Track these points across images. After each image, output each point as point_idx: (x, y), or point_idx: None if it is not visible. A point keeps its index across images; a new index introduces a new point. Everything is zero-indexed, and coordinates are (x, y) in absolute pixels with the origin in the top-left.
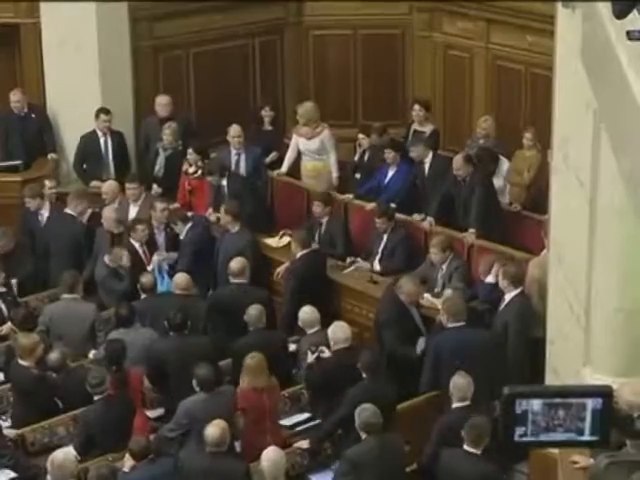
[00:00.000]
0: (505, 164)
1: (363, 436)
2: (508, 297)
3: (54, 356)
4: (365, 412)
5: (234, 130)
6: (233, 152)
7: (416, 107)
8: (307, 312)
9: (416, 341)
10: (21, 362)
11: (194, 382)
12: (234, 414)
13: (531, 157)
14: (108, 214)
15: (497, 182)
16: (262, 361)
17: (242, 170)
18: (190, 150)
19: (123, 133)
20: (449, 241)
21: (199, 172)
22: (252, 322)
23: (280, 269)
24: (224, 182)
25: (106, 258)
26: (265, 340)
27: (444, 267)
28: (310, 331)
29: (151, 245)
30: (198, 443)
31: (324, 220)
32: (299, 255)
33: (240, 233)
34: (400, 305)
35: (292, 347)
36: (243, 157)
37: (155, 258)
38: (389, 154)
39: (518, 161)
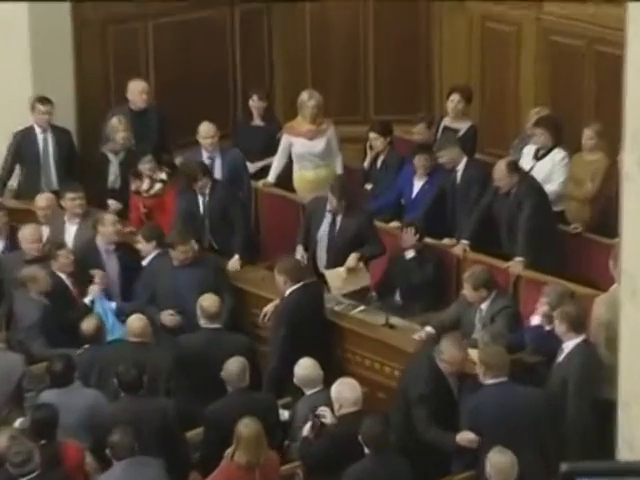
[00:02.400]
0: (562, 159)
1: None
2: (567, 346)
3: None
4: None
5: (205, 128)
6: (205, 156)
7: (454, 97)
8: (306, 367)
9: (450, 419)
10: None
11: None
12: None
13: (595, 162)
14: (28, 234)
15: (549, 188)
16: (260, 430)
17: (217, 175)
18: (148, 158)
19: (70, 131)
20: (486, 276)
21: (156, 187)
22: (231, 380)
23: (267, 309)
24: (207, 191)
25: (33, 292)
26: (249, 404)
27: (484, 307)
28: (309, 392)
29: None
30: None
31: (338, 217)
32: (289, 291)
33: (200, 263)
34: (438, 376)
35: (284, 414)
36: (218, 162)
37: (93, 292)
38: (421, 161)
39: (578, 168)
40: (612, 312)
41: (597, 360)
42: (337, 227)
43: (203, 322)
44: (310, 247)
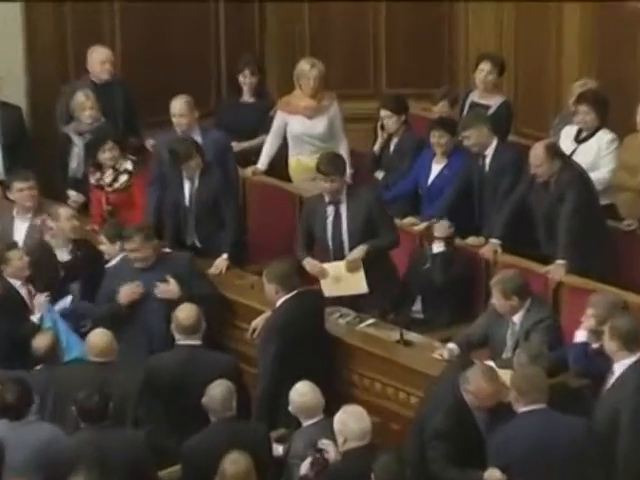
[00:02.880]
0: (610, 141)
1: None
2: (619, 368)
3: None
4: None
5: (177, 105)
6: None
7: (484, 66)
8: (304, 393)
9: (473, 457)
10: None
11: None
12: None
13: None
14: None
15: (595, 177)
16: (250, 467)
17: None
18: (109, 145)
19: (20, 107)
20: (518, 282)
21: (121, 180)
22: (214, 408)
23: (257, 322)
24: (196, 176)
25: None
26: (235, 437)
27: (517, 320)
28: (308, 422)
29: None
30: None
31: (342, 207)
32: (281, 302)
33: (166, 264)
34: (461, 408)
35: (278, 448)
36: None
37: (40, 303)
38: (441, 139)
39: (631, 152)
40: None
41: None
42: (343, 219)
43: (178, 337)
44: (317, 254)
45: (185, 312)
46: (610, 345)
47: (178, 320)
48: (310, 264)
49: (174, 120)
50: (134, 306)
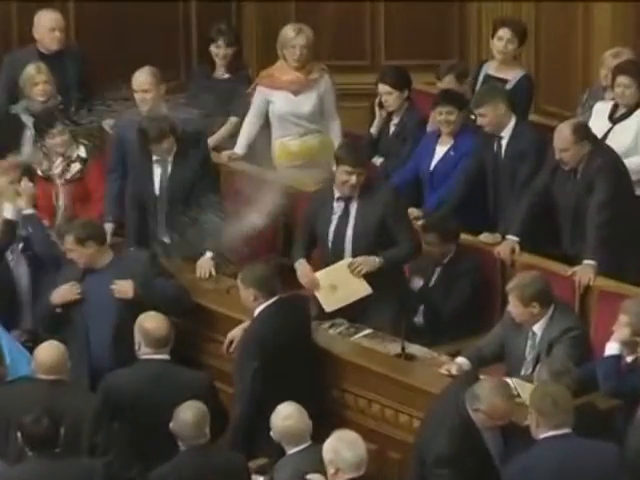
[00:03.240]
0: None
1: None
2: None
3: None
4: None
5: (140, 79)
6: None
7: (504, 33)
8: (288, 416)
9: None
10: None
11: None
12: None
13: None
14: None
15: (633, 163)
16: None
17: None
18: (58, 129)
19: None
20: (539, 286)
21: (73, 169)
22: (185, 435)
23: (234, 334)
24: (169, 160)
25: None
26: (209, 467)
27: (538, 330)
28: (293, 450)
29: None
30: None
31: (353, 204)
32: (260, 310)
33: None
34: (469, 431)
35: None
36: None
37: None
38: (449, 116)
39: None
40: None
41: None
42: (350, 219)
43: (144, 351)
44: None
45: (154, 322)
46: None
47: (146, 331)
48: (302, 269)
49: (137, 96)
50: (74, 311)
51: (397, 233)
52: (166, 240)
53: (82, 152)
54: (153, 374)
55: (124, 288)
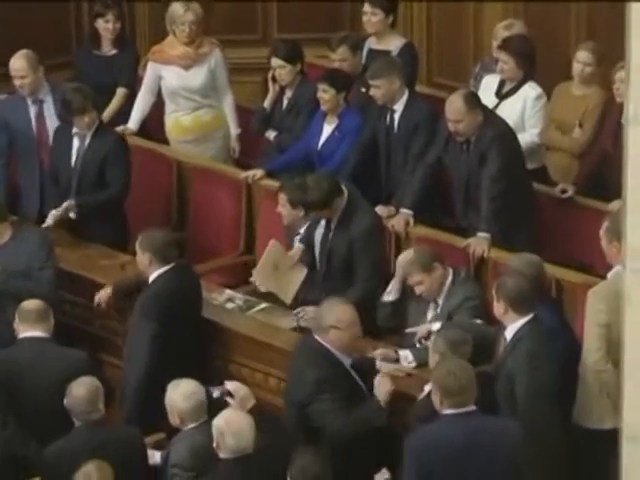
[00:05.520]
0: (536, 98)
1: None
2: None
3: None
4: None
5: (17, 65)
6: (29, 103)
7: (367, 8)
8: (191, 395)
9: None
10: None
11: None
12: None
13: (588, 97)
14: None
15: (521, 139)
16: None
17: (49, 130)
18: None
19: None
20: (431, 256)
21: None
22: (78, 410)
23: (101, 295)
24: (89, 134)
25: None
26: (106, 442)
27: (440, 301)
28: (191, 425)
29: None
30: None
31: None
32: (156, 275)
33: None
34: (328, 355)
35: (154, 455)
36: (49, 107)
37: None
38: (324, 94)
39: (561, 107)
40: (610, 307)
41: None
42: (329, 240)
43: (22, 329)
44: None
45: (30, 300)
46: (498, 308)
47: (23, 310)
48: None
49: (16, 82)
50: None
51: (359, 270)
52: (72, 215)
53: None
54: (32, 352)
55: None
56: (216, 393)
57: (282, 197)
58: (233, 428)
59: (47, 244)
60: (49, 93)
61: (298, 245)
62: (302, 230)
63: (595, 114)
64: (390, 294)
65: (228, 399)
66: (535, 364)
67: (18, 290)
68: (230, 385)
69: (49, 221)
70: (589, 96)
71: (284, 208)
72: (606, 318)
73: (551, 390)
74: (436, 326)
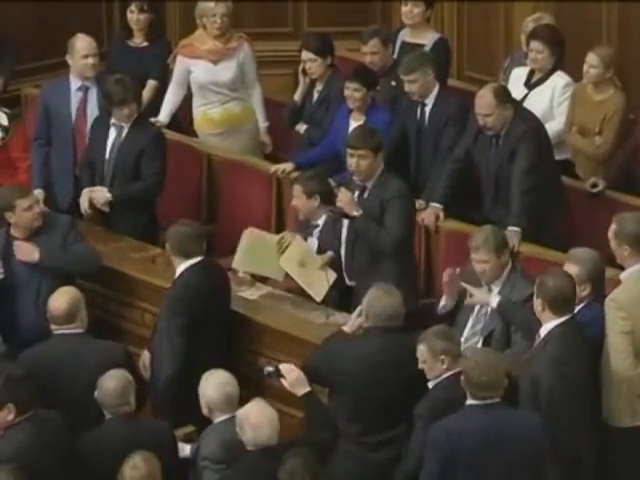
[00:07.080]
0: (565, 86)
1: None
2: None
3: None
4: None
5: (84, 44)
6: (74, 86)
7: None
8: (225, 383)
9: None
10: None
11: None
12: None
13: (606, 103)
14: None
15: (549, 127)
16: (154, 472)
17: (89, 118)
18: None
19: None
20: (504, 240)
21: None
22: (109, 403)
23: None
24: (127, 126)
25: None
26: (136, 436)
27: (496, 288)
28: (221, 417)
29: None
30: None
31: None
32: (181, 270)
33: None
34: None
35: (184, 449)
36: (93, 95)
37: None
38: (355, 92)
39: (580, 109)
40: (635, 314)
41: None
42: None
43: (55, 327)
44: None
45: (60, 297)
46: (537, 308)
47: (48, 309)
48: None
49: (82, 63)
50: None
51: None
52: (105, 209)
53: (3, 120)
54: (65, 347)
55: (27, 249)
56: (267, 370)
57: (297, 188)
58: (252, 421)
59: (75, 228)
60: (94, 82)
61: (329, 253)
62: (319, 222)
63: (615, 120)
64: (445, 307)
65: (282, 380)
66: (561, 370)
67: (66, 261)
68: (284, 366)
69: (84, 205)
70: (607, 102)
71: (299, 199)
72: (628, 325)
73: (575, 398)
74: (494, 302)
